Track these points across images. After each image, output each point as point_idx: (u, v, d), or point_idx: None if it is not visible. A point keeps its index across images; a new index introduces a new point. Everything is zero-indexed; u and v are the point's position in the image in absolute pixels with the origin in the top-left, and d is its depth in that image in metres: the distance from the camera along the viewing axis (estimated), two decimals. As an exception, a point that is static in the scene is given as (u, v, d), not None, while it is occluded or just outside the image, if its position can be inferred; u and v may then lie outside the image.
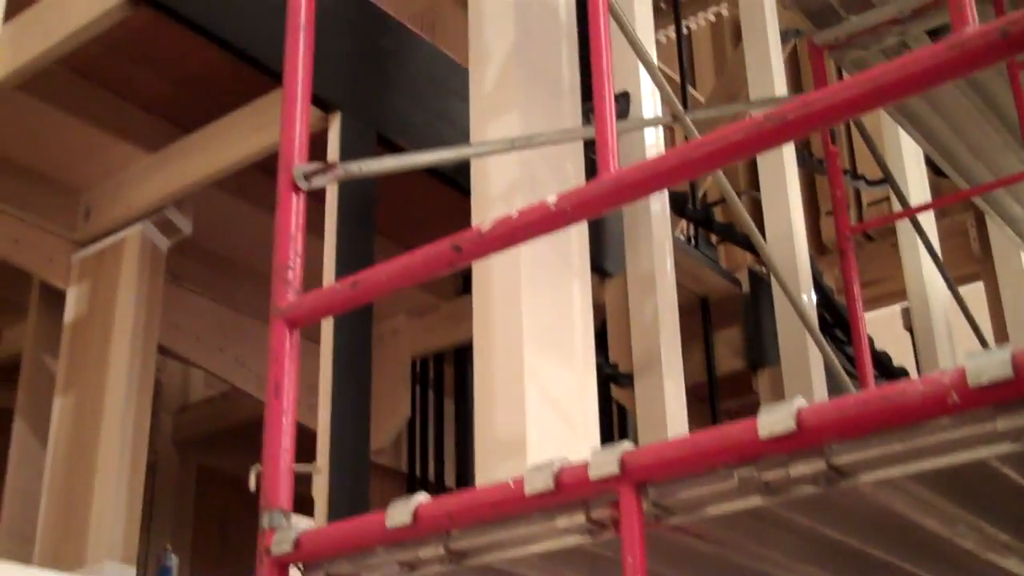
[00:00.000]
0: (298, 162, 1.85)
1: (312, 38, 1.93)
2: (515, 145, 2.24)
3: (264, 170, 3.12)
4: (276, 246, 1.81)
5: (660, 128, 3.66)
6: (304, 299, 1.75)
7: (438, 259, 1.61)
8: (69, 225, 3.40)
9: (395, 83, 3.14)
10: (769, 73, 4.60)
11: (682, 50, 4.90)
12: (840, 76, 4.03)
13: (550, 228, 1.52)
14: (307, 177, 1.82)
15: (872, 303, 5.91)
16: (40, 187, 3.38)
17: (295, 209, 1.82)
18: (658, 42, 5.44)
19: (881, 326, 5.62)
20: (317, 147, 2.34)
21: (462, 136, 3.07)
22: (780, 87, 4.59)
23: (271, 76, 2.88)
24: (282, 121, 1.89)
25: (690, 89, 5.24)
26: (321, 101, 2.89)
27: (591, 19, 1.86)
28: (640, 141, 3.52)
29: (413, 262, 1.64)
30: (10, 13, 2.86)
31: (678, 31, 4.96)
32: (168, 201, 3.23)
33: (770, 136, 1.34)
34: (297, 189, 1.83)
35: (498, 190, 2.71)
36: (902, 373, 4.72)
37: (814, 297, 4.21)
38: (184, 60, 3.00)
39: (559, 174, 2.76)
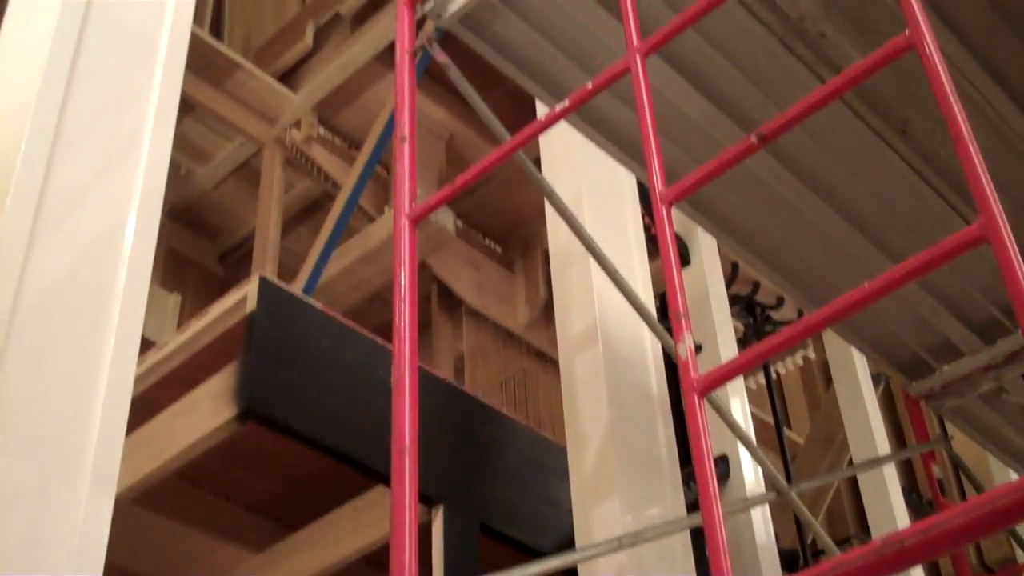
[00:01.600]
0: (409, 586, 1.85)
1: (416, 465, 1.97)
2: (623, 544, 2.22)
3: (369, 561, 3.12)
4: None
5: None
6: None
7: None
8: (176, 631, 3.40)
9: (496, 470, 3.18)
10: (864, 414, 4.57)
11: (774, 397, 4.91)
12: (941, 422, 3.99)
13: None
14: (419, 603, 1.81)
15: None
16: (148, 593, 3.40)
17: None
18: (749, 388, 5.46)
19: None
20: (421, 538, 2.35)
21: (566, 517, 3.06)
22: (877, 428, 4.55)
23: (373, 476, 2.93)
24: (392, 546, 1.90)
25: (786, 431, 5.22)
26: (424, 496, 2.92)
27: (688, 416, 1.88)
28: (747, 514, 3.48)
29: None
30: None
31: (768, 379, 4.99)
32: (275, 601, 3.22)
33: (889, 562, 1.32)
34: (409, 613, 1.81)
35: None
36: None
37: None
38: (288, 463, 3.08)
39: (667, 556, 2.73)
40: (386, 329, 2.33)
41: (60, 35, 2.22)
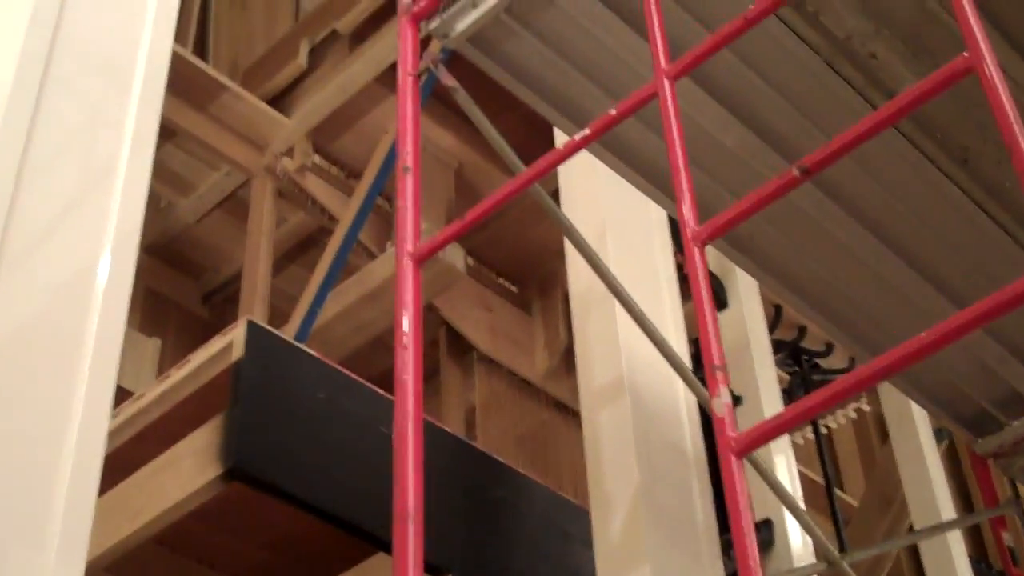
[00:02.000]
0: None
1: (421, 530, 1.97)
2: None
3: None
4: None
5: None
6: None
7: None
8: None
9: (511, 536, 3.17)
10: (926, 474, 4.54)
11: (823, 454, 4.88)
12: (1013, 483, 3.97)
13: None
14: None
15: None
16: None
17: None
18: (795, 444, 5.44)
19: None
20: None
21: (588, 588, 3.06)
22: (940, 489, 4.52)
23: (373, 542, 2.93)
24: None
25: (838, 492, 5.19)
26: (431, 565, 2.90)
27: (725, 479, 1.87)
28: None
29: None
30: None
31: (816, 434, 4.97)
32: None
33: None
34: None
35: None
36: None
37: None
38: (278, 526, 3.07)
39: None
40: (389, 378, 2.34)
41: (26, 54, 2.23)
